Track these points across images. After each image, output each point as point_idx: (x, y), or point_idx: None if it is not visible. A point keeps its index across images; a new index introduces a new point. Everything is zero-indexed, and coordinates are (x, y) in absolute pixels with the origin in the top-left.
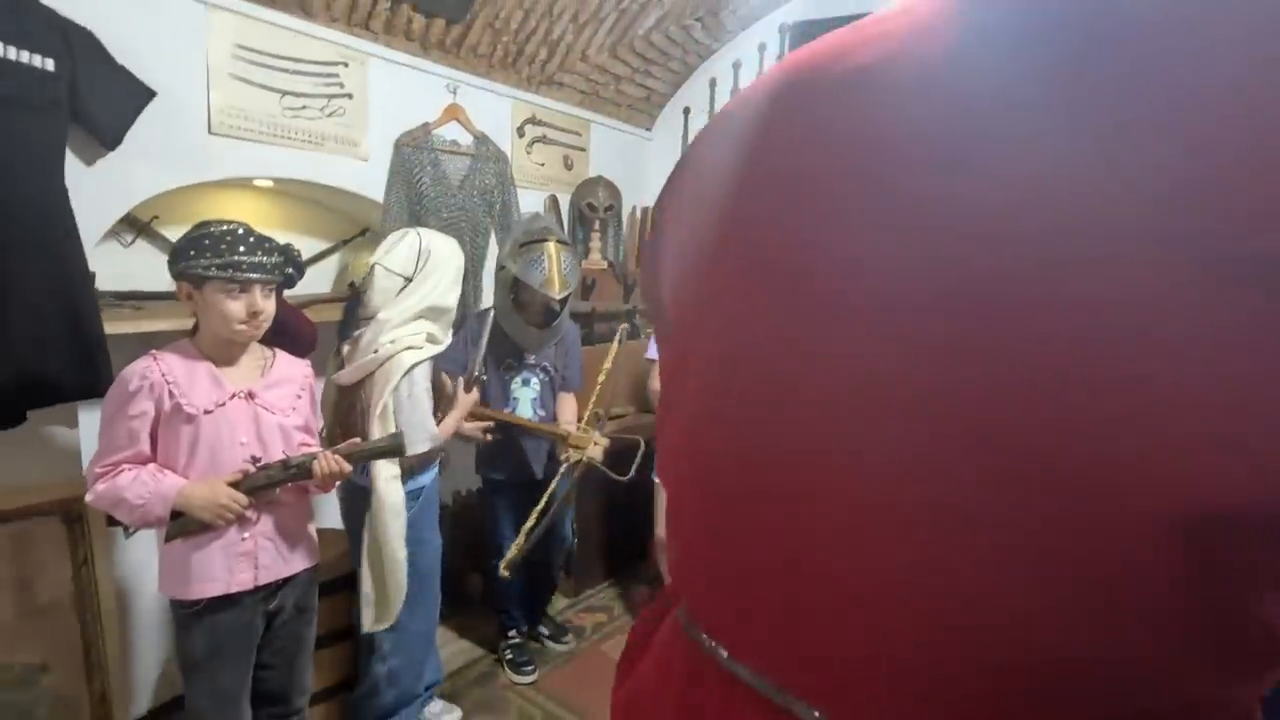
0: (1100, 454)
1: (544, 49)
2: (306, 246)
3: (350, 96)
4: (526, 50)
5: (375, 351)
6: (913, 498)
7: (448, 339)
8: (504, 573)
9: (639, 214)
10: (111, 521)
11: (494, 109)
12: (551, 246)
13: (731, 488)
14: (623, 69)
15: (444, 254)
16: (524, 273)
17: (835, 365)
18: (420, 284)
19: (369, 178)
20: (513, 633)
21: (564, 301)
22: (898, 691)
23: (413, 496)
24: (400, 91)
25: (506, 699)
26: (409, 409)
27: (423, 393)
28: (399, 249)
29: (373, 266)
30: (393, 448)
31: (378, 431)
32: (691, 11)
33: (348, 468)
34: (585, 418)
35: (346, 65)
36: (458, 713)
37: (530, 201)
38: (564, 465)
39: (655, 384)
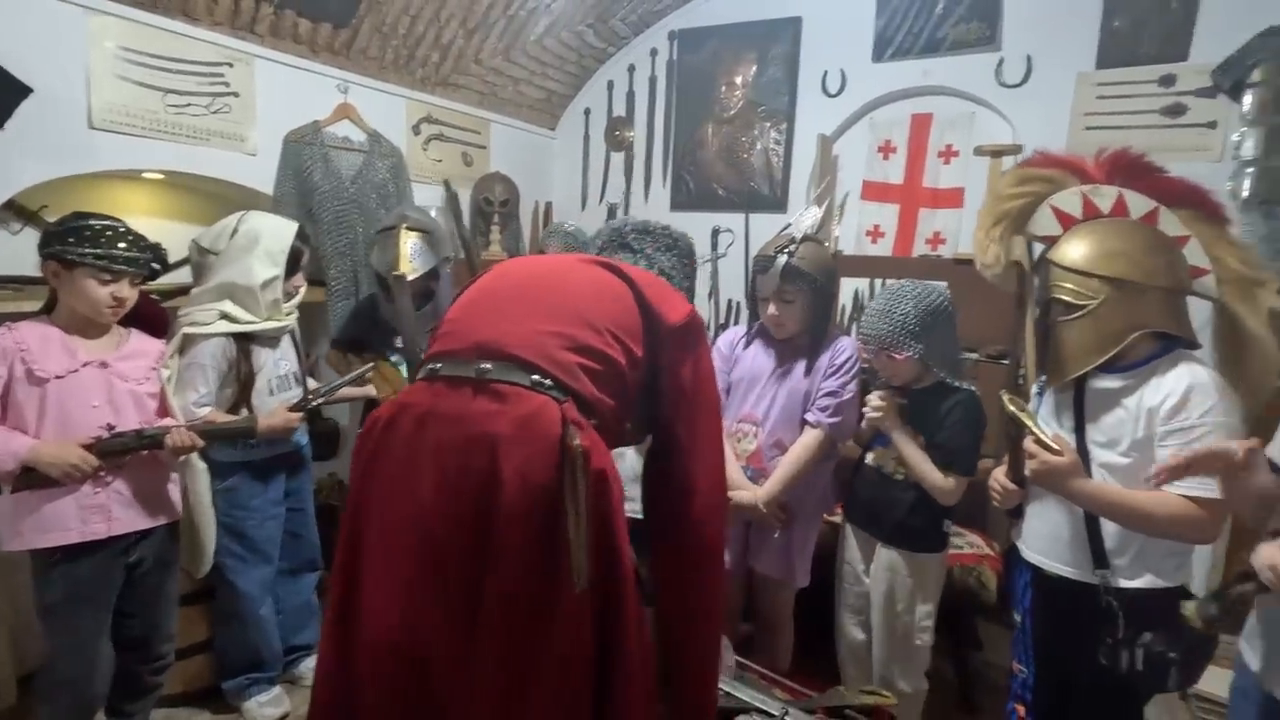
0: None
1: (435, 52)
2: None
3: (236, 95)
4: (418, 54)
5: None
6: None
7: (259, 319)
8: None
9: (540, 208)
10: None
11: (387, 108)
12: (401, 232)
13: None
14: (519, 71)
15: (259, 231)
16: (377, 260)
17: None
18: (226, 261)
19: (258, 171)
20: None
21: (424, 290)
22: None
23: (230, 468)
24: (289, 91)
25: None
26: (182, 385)
27: (198, 370)
28: (215, 226)
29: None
30: (244, 429)
31: (174, 403)
32: (582, 18)
33: (200, 442)
34: None
35: (232, 65)
36: None
37: (428, 195)
38: None
39: None
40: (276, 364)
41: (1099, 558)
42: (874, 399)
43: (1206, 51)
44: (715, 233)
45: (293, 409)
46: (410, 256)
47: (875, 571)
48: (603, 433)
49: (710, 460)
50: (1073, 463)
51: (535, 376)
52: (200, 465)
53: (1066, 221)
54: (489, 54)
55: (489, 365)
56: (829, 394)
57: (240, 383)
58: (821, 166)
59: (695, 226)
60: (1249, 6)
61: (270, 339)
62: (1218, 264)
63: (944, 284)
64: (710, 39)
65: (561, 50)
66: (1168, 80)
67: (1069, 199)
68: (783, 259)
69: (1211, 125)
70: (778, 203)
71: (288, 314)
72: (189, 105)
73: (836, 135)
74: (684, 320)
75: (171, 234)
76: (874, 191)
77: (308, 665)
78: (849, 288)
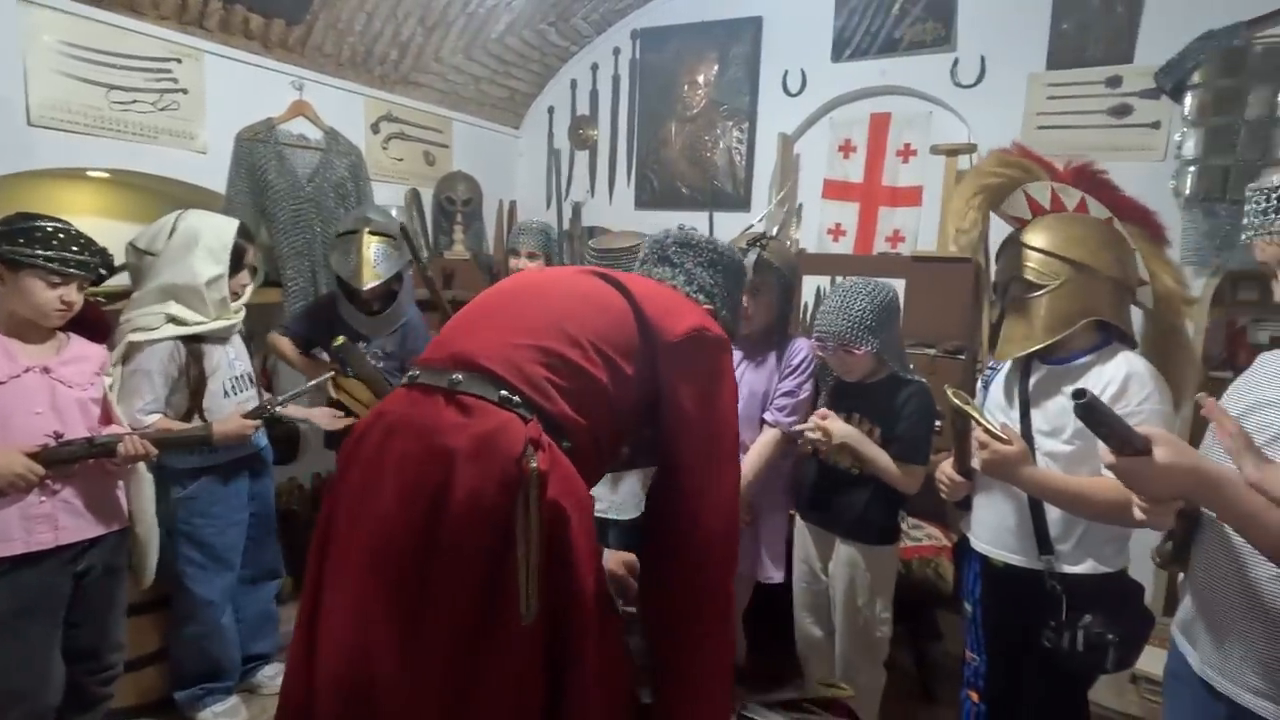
0: None
1: (394, 50)
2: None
3: (185, 92)
4: (375, 51)
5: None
6: None
7: (208, 319)
8: None
9: (505, 207)
10: None
11: (345, 106)
12: (364, 237)
13: None
14: (481, 70)
15: (198, 230)
16: (337, 264)
17: None
18: (167, 262)
19: (209, 170)
20: None
21: (387, 293)
22: None
23: (191, 474)
24: (241, 88)
25: None
26: (126, 392)
27: (143, 377)
28: (153, 226)
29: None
30: (200, 436)
31: (118, 411)
32: (543, 16)
33: (153, 451)
34: None
35: (180, 61)
36: None
37: (389, 194)
38: None
39: None
40: (231, 364)
41: (1044, 544)
42: (814, 421)
43: (1150, 54)
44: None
45: (249, 416)
46: (374, 263)
47: (834, 568)
48: (579, 456)
49: (718, 502)
50: (1021, 451)
51: (503, 391)
52: (146, 475)
53: (1036, 209)
54: (449, 52)
55: (460, 376)
56: (786, 394)
57: (191, 388)
58: (783, 166)
59: (659, 225)
60: (1189, 10)
61: (221, 338)
62: (1155, 279)
63: (892, 281)
64: (672, 38)
65: (524, 49)
66: (1114, 82)
67: (1041, 189)
68: (754, 253)
69: (1155, 125)
70: (741, 201)
71: (235, 312)
72: (135, 102)
73: (798, 134)
74: (684, 336)
75: (117, 234)
76: (835, 190)
77: (266, 673)
78: (811, 285)
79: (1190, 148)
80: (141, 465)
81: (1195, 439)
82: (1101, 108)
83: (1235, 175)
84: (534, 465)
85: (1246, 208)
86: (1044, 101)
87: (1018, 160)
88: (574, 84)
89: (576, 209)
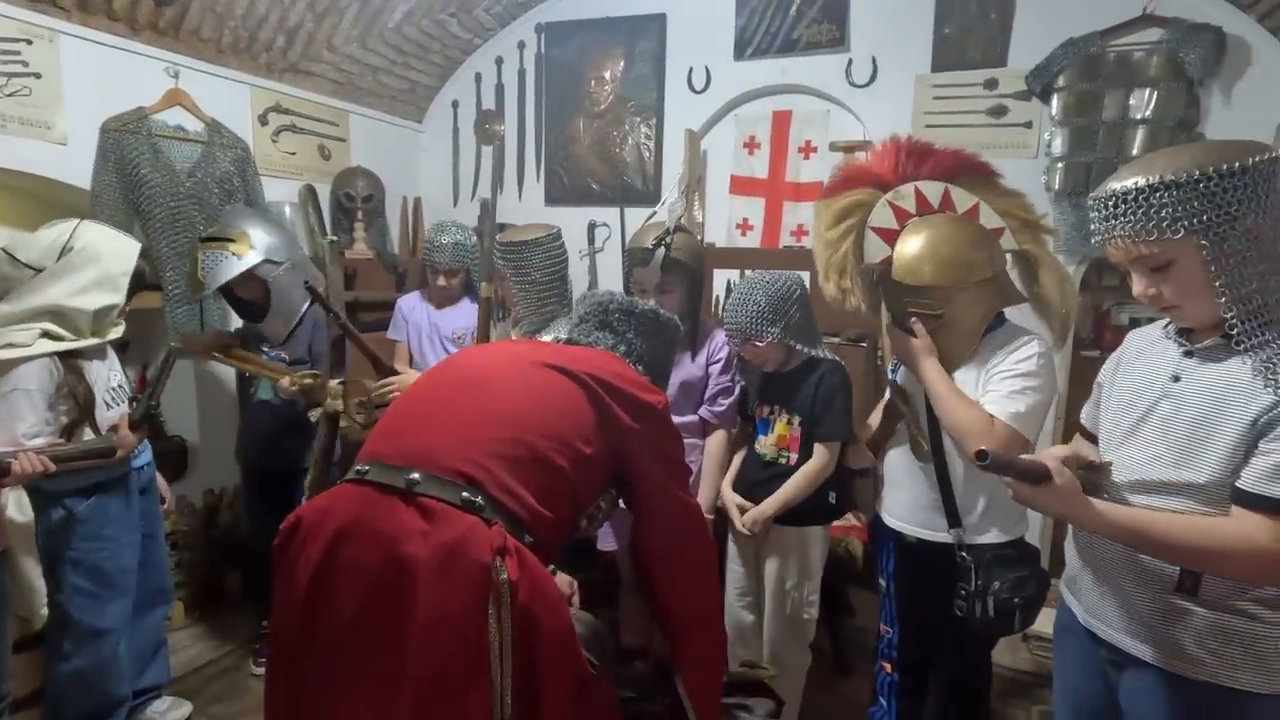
0: None
1: (281, 36)
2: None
3: (38, 76)
4: (260, 36)
5: None
6: None
7: (83, 338)
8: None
9: (409, 203)
10: None
11: (228, 95)
12: (195, 248)
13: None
14: (378, 60)
15: (99, 251)
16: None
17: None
18: (53, 279)
19: (71, 163)
20: (266, 622)
21: (247, 298)
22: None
23: (77, 494)
24: (105, 73)
25: (249, 687)
26: (2, 415)
27: (23, 397)
28: (41, 237)
29: None
30: (100, 451)
31: None
32: (443, 7)
33: (51, 467)
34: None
35: (30, 43)
36: (187, 707)
37: (281, 190)
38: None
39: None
40: (110, 375)
41: (952, 518)
42: (746, 521)
43: (1022, 58)
44: (591, 227)
45: (133, 424)
46: (201, 272)
47: (765, 552)
48: (541, 548)
49: (681, 528)
50: (929, 346)
51: (465, 494)
52: (25, 500)
53: (890, 238)
54: (343, 40)
55: (418, 475)
56: (722, 391)
57: (80, 405)
58: (690, 161)
59: (571, 221)
60: (1055, 17)
61: (98, 350)
62: (1007, 217)
63: (794, 271)
64: (577, 33)
65: (423, 39)
66: (991, 84)
67: (882, 214)
68: (661, 251)
69: (1028, 125)
70: (651, 196)
71: (114, 326)
72: None
73: (704, 131)
74: (643, 417)
75: None
76: (741, 185)
77: (156, 709)
78: (721, 279)
79: (1058, 146)
80: (15, 492)
81: (1075, 387)
82: (981, 108)
83: (1096, 171)
84: (504, 577)
85: (1090, 215)
86: (930, 101)
87: (847, 203)
88: (479, 77)
89: (485, 206)
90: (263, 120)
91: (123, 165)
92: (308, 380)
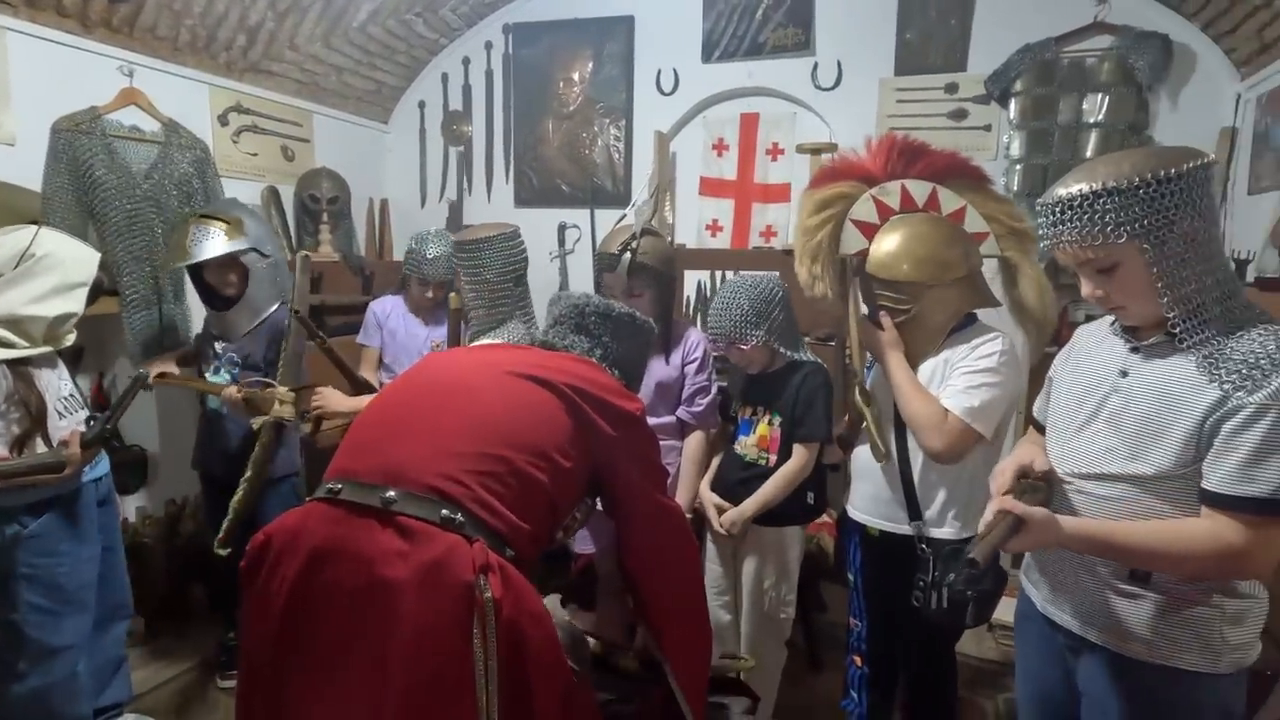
0: None
1: (241, 35)
2: None
3: None
4: (219, 35)
5: None
6: None
7: (35, 346)
8: (219, 550)
9: (376, 205)
10: None
11: (186, 95)
12: (189, 222)
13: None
14: (342, 60)
15: (60, 259)
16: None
17: None
18: (11, 286)
19: (20, 163)
20: (233, 634)
21: (232, 295)
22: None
23: (31, 509)
24: (56, 71)
25: (216, 700)
26: None
27: None
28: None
29: None
30: (49, 466)
31: None
32: (409, 6)
33: None
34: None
35: None
36: None
37: (243, 192)
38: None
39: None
40: (60, 384)
41: (913, 511)
42: (725, 522)
43: (981, 63)
44: (561, 229)
45: (86, 444)
46: (190, 244)
47: (743, 551)
48: (522, 562)
49: (663, 531)
50: (895, 339)
51: (445, 511)
52: None
53: (869, 231)
54: (305, 39)
55: (394, 494)
56: (699, 390)
57: (33, 415)
58: (659, 163)
59: (541, 222)
60: (1010, 24)
61: (48, 359)
62: (993, 222)
63: (772, 273)
64: (545, 34)
65: (389, 39)
66: (952, 88)
67: (863, 208)
68: (627, 256)
69: (987, 128)
70: (622, 198)
71: (67, 335)
72: None
73: (673, 133)
74: (622, 426)
75: None
76: (710, 187)
77: None
78: (692, 280)
79: (1016, 148)
80: None
81: (1034, 383)
82: (942, 111)
83: (1053, 173)
84: (488, 595)
85: (1039, 221)
86: (894, 104)
87: (831, 194)
88: (445, 78)
89: (453, 208)
90: (223, 120)
91: (76, 167)
92: (254, 391)
